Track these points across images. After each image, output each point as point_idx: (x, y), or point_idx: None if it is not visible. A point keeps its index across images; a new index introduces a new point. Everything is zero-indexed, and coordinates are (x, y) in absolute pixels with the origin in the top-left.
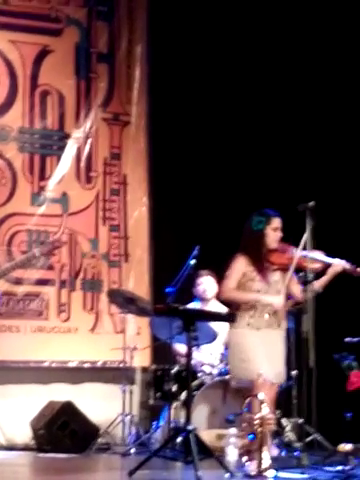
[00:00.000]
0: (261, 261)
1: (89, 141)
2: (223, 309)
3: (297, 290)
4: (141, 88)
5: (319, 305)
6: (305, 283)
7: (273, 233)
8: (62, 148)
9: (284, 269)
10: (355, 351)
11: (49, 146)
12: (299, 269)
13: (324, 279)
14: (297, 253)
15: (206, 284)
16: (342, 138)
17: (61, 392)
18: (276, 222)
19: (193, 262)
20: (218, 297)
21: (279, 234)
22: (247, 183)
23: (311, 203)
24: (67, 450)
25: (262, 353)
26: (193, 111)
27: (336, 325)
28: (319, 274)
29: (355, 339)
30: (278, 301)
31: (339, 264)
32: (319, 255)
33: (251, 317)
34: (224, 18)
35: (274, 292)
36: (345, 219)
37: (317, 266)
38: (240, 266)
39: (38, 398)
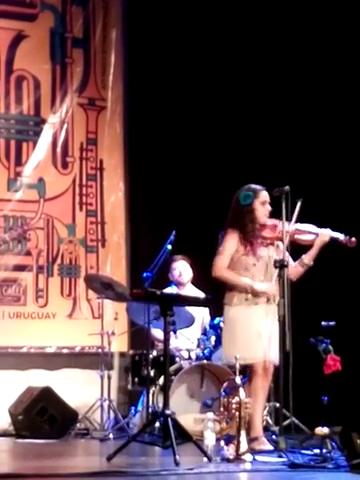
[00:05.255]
0: (253, 236)
1: (65, 126)
2: (199, 293)
3: (289, 267)
4: (116, 73)
5: (295, 289)
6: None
7: (262, 207)
8: (38, 133)
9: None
10: (331, 335)
11: (25, 132)
12: (291, 243)
13: (313, 251)
14: (289, 226)
15: (181, 268)
16: (312, 117)
17: (39, 378)
18: (264, 196)
19: (170, 247)
20: (213, 274)
21: (268, 208)
22: (223, 168)
23: (286, 187)
24: (46, 435)
25: (265, 332)
26: (169, 96)
27: (312, 309)
28: (308, 247)
29: (331, 323)
30: (271, 289)
31: (326, 233)
32: (311, 227)
33: (248, 293)
34: (200, 1)
35: (263, 267)
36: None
37: (310, 239)
38: (233, 242)
39: (16, 384)
